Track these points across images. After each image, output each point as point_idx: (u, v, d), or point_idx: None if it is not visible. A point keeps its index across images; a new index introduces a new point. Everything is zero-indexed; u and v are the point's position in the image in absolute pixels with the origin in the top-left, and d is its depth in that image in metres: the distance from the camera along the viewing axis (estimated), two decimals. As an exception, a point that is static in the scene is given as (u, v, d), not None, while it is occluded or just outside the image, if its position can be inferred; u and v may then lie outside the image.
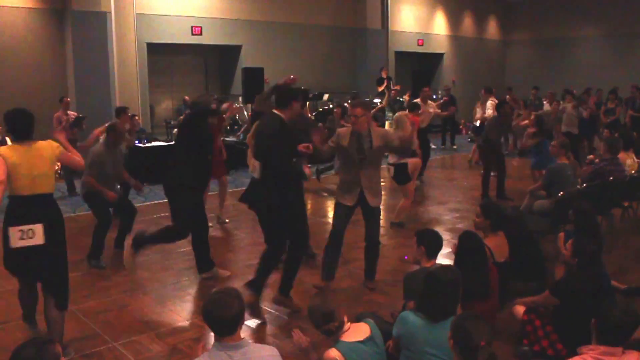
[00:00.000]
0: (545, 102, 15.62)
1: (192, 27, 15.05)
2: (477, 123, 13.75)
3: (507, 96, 14.09)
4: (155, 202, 9.93)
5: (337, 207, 5.62)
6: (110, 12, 13.33)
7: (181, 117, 13.48)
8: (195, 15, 15.09)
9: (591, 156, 12.23)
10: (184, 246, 7.31)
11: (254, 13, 16.15)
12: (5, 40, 12.50)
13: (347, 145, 5.40)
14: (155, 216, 8.95)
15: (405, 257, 6.47)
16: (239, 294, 2.96)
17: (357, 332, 3.34)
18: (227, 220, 8.45)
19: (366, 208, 5.53)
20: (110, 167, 6.72)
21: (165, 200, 9.51)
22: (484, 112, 13.18)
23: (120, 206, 6.92)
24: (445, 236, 4.90)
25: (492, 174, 9.70)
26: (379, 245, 5.79)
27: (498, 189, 9.64)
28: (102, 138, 7.06)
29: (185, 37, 15.03)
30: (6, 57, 12.50)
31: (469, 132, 18.19)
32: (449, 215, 8.86)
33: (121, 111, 9.26)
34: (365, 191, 5.42)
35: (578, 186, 7.17)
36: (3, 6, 12.41)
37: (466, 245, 4.55)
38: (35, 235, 4.19)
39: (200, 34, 15.23)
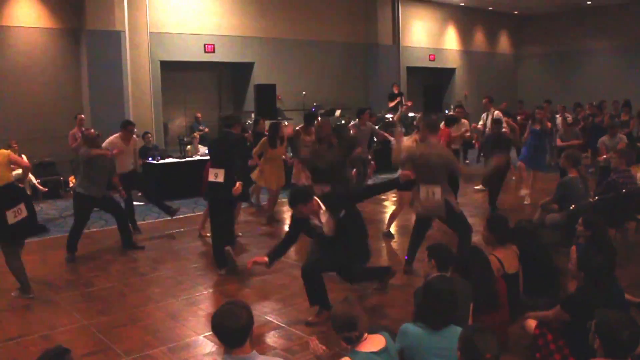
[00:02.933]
0: (557, 116, 15.57)
1: (204, 44, 15.22)
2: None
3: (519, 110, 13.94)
4: (169, 218, 9.98)
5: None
6: (124, 31, 13.54)
7: (197, 133, 13.62)
8: (208, 33, 15.27)
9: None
10: (197, 261, 7.38)
11: (266, 30, 16.31)
12: (22, 59, 12.72)
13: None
14: (167, 232, 9.01)
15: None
16: (247, 306, 2.99)
17: (372, 343, 3.35)
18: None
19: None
20: (96, 171, 7.46)
21: (179, 217, 9.71)
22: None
23: (107, 207, 7.82)
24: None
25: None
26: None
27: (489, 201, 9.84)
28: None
29: (198, 55, 15.20)
30: (23, 76, 12.71)
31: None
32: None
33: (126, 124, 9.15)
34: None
35: (590, 199, 7.13)
36: (20, 27, 12.64)
37: (470, 259, 4.57)
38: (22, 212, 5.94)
39: (213, 51, 15.39)
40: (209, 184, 6.94)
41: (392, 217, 8.53)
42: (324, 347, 3.52)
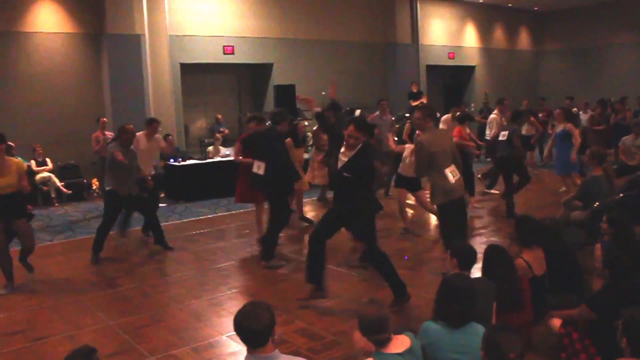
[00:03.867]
0: (580, 113, 15.42)
1: (223, 46, 15.29)
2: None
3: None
4: (191, 219, 10.07)
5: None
6: (144, 35, 13.65)
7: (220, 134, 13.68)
8: (226, 35, 15.34)
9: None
10: (220, 262, 7.42)
11: (285, 31, 16.35)
12: (45, 64, 12.89)
13: None
14: (189, 233, 9.06)
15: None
16: (269, 307, 3.00)
17: (397, 344, 3.32)
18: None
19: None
20: (123, 166, 7.37)
21: (200, 218, 9.78)
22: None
23: (136, 205, 7.82)
24: (479, 249, 4.87)
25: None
26: None
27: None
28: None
29: (217, 57, 15.28)
30: (45, 80, 12.88)
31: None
32: (484, 229, 8.79)
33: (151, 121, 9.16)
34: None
35: (615, 196, 7.03)
36: (42, 32, 12.81)
37: (491, 258, 4.54)
38: None
39: (232, 53, 15.46)
40: (252, 176, 7.18)
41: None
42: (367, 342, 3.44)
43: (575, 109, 14.46)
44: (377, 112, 11.42)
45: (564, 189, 10.37)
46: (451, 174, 5.94)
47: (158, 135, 9.09)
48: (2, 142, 6.14)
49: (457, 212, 6.05)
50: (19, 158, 7.29)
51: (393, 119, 12.12)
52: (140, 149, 8.35)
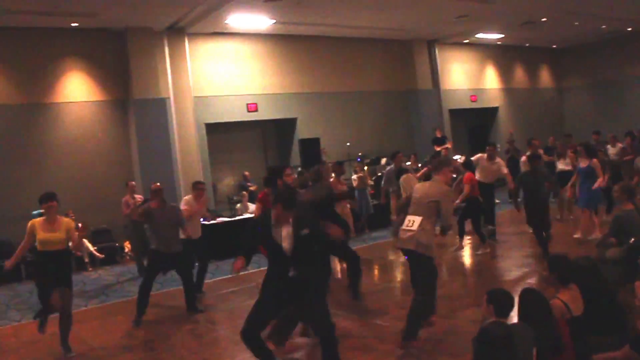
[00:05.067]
0: (608, 147, 15.21)
1: (247, 104, 15.59)
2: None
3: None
4: (222, 277, 10.08)
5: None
6: (169, 98, 14.02)
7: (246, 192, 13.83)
8: (249, 93, 15.66)
9: None
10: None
11: (306, 86, 16.63)
12: (75, 132, 13.28)
13: None
14: (222, 292, 9.06)
15: (405, 258, 6.35)
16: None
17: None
18: None
19: None
20: (161, 225, 7.72)
21: (232, 276, 9.80)
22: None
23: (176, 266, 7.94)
24: (515, 293, 4.77)
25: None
26: None
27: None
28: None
29: (241, 115, 15.56)
30: (76, 147, 13.23)
31: None
32: (518, 271, 8.62)
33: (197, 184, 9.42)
34: None
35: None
36: (71, 102, 13.26)
37: (527, 302, 4.42)
38: None
39: (256, 110, 15.73)
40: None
41: None
42: None
43: (610, 147, 14.27)
44: (392, 166, 11.68)
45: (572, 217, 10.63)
46: (407, 221, 5.85)
47: (205, 196, 9.39)
48: (54, 199, 6.46)
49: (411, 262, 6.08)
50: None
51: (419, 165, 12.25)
52: (192, 212, 8.61)
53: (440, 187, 5.95)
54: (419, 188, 6.07)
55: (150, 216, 7.81)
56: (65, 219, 6.69)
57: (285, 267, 4.91)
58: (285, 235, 4.90)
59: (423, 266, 5.79)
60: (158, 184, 8.17)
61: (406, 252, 5.88)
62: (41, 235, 6.36)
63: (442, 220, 5.88)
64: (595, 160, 9.95)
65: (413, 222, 5.76)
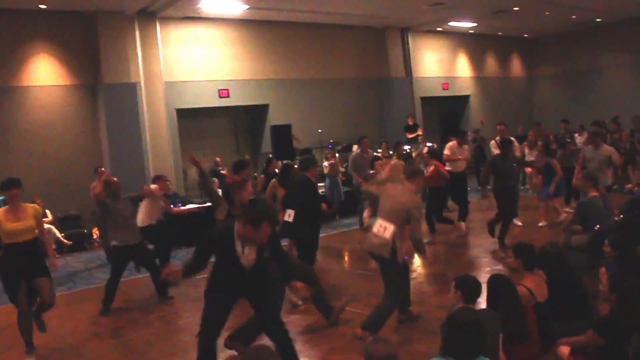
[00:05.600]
0: (576, 135, 15.46)
1: (219, 90, 15.43)
2: None
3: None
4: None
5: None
6: (139, 83, 13.80)
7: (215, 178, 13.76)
8: (221, 79, 15.49)
9: (629, 185, 11.99)
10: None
11: (279, 72, 16.52)
12: (42, 117, 12.99)
13: None
14: (192, 279, 8.97)
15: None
16: (273, 351, 2.96)
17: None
18: None
19: None
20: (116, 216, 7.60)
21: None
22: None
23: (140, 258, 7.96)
24: (483, 280, 4.83)
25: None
26: None
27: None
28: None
29: (213, 101, 15.40)
30: (43, 132, 12.95)
31: None
32: (486, 258, 8.73)
33: (157, 178, 9.79)
34: None
35: (615, 218, 7.00)
36: (39, 86, 12.96)
37: (495, 288, 4.48)
38: None
39: (228, 96, 15.59)
40: (283, 223, 7.20)
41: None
42: None
43: (578, 136, 14.58)
44: (359, 150, 11.74)
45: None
46: (379, 227, 5.77)
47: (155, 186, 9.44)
48: (19, 186, 5.98)
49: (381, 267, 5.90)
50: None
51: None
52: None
53: (412, 196, 5.86)
54: (391, 192, 5.89)
55: (107, 209, 7.68)
56: (31, 205, 6.19)
57: (238, 278, 4.81)
58: (247, 252, 4.75)
59: (393, 270, 5.74)
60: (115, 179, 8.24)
61: (377, 258, 5.81)
62: (7, 226, 5.87)
63: (410, 234, 5.75)
64: (554, 160, 10.44)
65: (385, 228, 5.67)
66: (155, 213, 8.97)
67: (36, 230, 6.08)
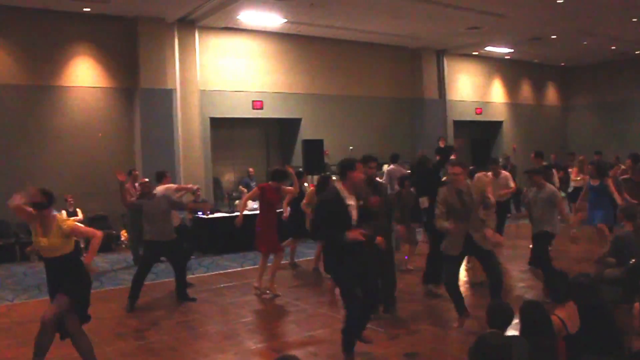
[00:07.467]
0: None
1: (253, 101, 15.57)
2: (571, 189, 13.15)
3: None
4: (218, 272, 10.04)
5: (447, 258, 6.23)
6: (175, 89, 14.00)
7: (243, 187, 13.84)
8: (255, 90, 15.65)
9: None
10: (246, 316, 7.35)
11: (313, 87, 16.63)
12: (79, 117, 13.26)
13: (452, 201, 6.09)
14: (216, 287, 9.02)
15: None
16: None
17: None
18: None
19: (480, 252, 6.16)
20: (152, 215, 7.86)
21: (227, 271, 9.73)
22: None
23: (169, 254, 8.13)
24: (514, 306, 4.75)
25: None
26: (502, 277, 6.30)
27: None
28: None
29: (246, 111, 15.54)
30: (79, 133, 13.22)
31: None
32: (517, 285, 8.60)
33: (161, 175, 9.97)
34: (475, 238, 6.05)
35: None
36: (78, 87, 13.23)
37: (528, 317, 4.39)
38: None
39: (262, 108, 15.72)
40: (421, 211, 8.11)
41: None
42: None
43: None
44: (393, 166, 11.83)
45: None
46: None
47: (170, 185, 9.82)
48: (51, 203, 5.24)
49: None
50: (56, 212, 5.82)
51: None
52: None
53: None
54: None
55: (139, 208, 8.04)
56: (56, 220, 5.25)
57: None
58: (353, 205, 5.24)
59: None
60: (146, 179, 8.54)
61: None
62: (35, 238, 5.24)
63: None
64: (609, 179, 9.85)
65: None
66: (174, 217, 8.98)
67: (66, 247, 5.32)
